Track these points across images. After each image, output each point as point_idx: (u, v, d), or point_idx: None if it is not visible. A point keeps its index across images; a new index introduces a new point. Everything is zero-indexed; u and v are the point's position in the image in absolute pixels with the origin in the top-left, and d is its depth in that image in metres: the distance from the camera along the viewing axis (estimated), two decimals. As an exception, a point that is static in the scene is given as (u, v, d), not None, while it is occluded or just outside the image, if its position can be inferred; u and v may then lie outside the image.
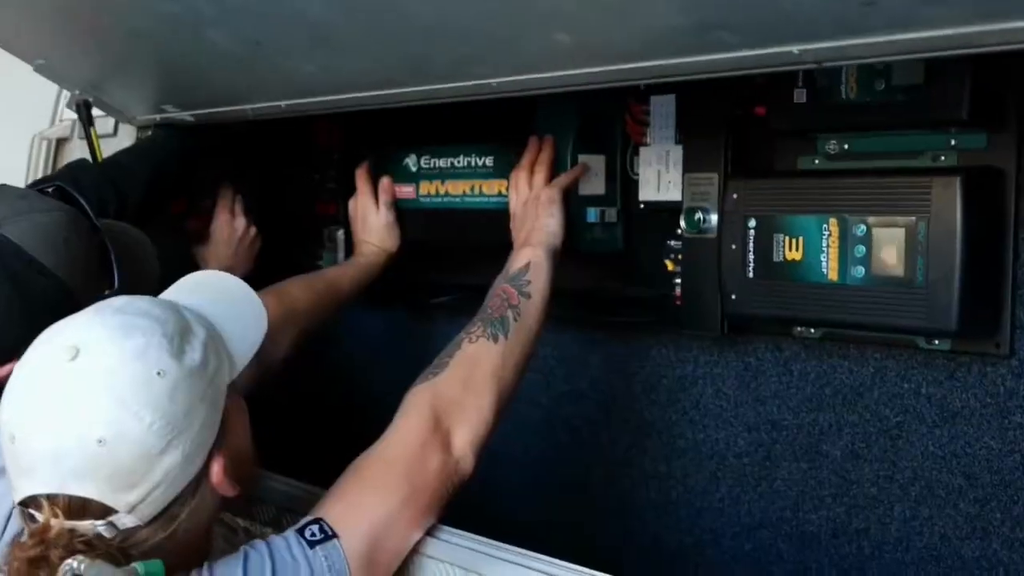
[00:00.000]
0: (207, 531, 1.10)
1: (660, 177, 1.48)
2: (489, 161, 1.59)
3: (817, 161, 1.36)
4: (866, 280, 1.24)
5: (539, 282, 1.34)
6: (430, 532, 1.16)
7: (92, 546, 0.94)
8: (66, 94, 1.71)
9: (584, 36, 1.06)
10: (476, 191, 1.61)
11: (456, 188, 1.64)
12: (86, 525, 0.95)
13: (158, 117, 1.61)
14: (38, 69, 1.56)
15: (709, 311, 1.42)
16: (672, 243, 1.49)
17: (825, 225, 1.28)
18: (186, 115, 1.56)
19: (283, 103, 1.40)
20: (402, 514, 1.12)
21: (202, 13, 1.22)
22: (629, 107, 1.52)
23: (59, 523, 0.93)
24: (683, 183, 1.45)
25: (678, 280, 1.48)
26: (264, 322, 1.16)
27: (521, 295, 1.32)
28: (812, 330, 1.40)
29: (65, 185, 1.30)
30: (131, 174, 1.56)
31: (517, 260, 1.37)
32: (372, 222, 1.71)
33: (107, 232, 1.26)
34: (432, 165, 1.67)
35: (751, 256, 1.35)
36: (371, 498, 1.12)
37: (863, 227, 1.25)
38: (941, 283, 1.18)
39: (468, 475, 1.19)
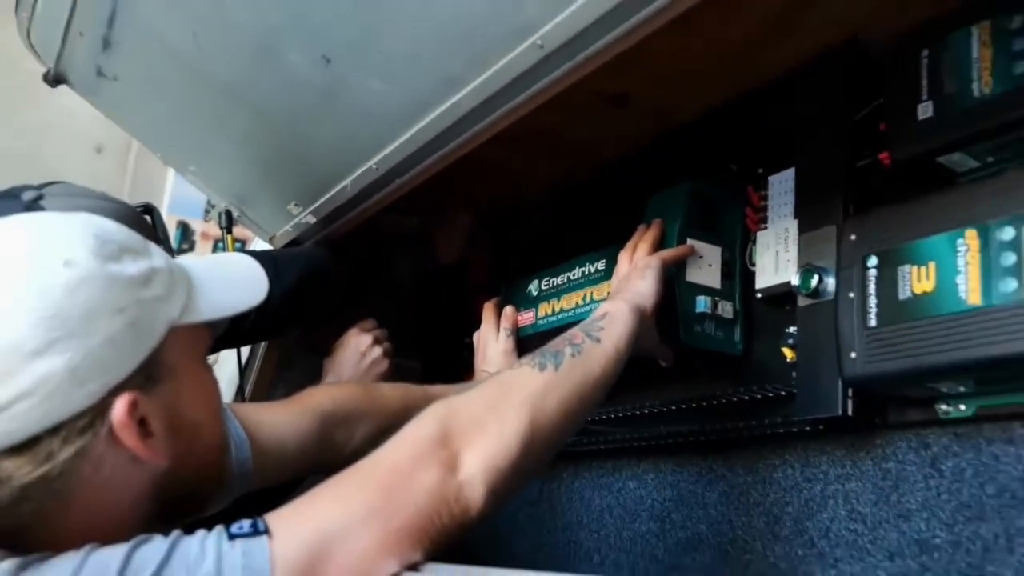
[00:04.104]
0: (131, 517, 0.76)
1: (778, 258, 1.10)
2: (601, 264, 1.28)
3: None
4: (1020, 294, 0.79)
5: (613, 331, 0.99)
6: (413, 568, 0.74)
7: None
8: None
9: None
10: (588, 299, 1.28)
11: (570, 302, 1.32)
12: None
13: (290, 227, 1.42)
14: (191, 177, 1.45)
15: (827, 385, 0.98)
16: (791, 329, 1.07)
17: (960, 240, 0.85)
18: (309, 215, 1.36)
19: (373, 163, 1.18)
20: (365, 528, 0.72)
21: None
22: (748, 196, 1.17)
23: None
24: (798, 246, 1.06)
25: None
26: (257, 293, 0.88)
27: (588, 337, 0.97)
28: (962, 405, 0.93)
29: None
30: (280, 265, 1.35)
31: (595, 313, 1.03)
32: (491, 350, 1.40)
33: None
34: (551, 285, 1.37)
35: (873, 300, 0.93)
36: (329, 503, 0.74)
37: (1010, 229, 0.81)
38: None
39: (476, 508, 0.79)
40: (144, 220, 1.17)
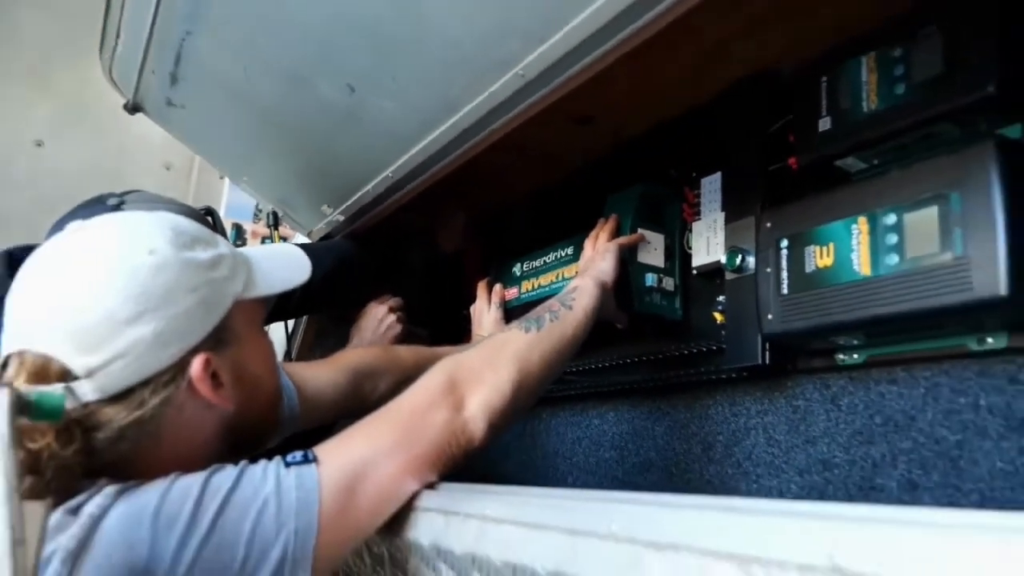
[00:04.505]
0: (207, 451, 0.74)
1: (709, 243, 1.09)
2: (570, 250, 1.26)
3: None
4: (901, 266, 0.79)
5: (582, 300, 0.97)
6: (430, 487, 0.74)
7: None
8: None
9: None
10: (560, 278, 1.27)
11: (546, 280, 1.30)
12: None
13: (323, 224, 1.39)
14: (244, 186, 1.42)
15: (749, 340, 0.97)
16: (720, 298, 1.06)
17: (854, 225, 0.84)
18: (338, 214, 1.33)
19: (389, 172, 1.15)
20: (391, 456, 0.72)
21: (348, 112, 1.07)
22: (685, 194, 1.16)
23: (20, 385, 0.62)
24: (725, 233, 1.05)
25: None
26: (302, 273, 0.85)
27: (563, 306, 0.95)
28: (855, 355, 0.92)
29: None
30: (318, 254, 1.31)
31: (568, 287, 1.01)
32: (484, 319, 1.38)
33: None
34: (530, 267, 1.35)
35: (785, 274, 0.91)
36: (363, 438, 0.74)
37: (893, 215, 0.81)
38: (984, 245, 0.72)
39: (477, 439, 0.78)
40: (207, 221, 1.15)
